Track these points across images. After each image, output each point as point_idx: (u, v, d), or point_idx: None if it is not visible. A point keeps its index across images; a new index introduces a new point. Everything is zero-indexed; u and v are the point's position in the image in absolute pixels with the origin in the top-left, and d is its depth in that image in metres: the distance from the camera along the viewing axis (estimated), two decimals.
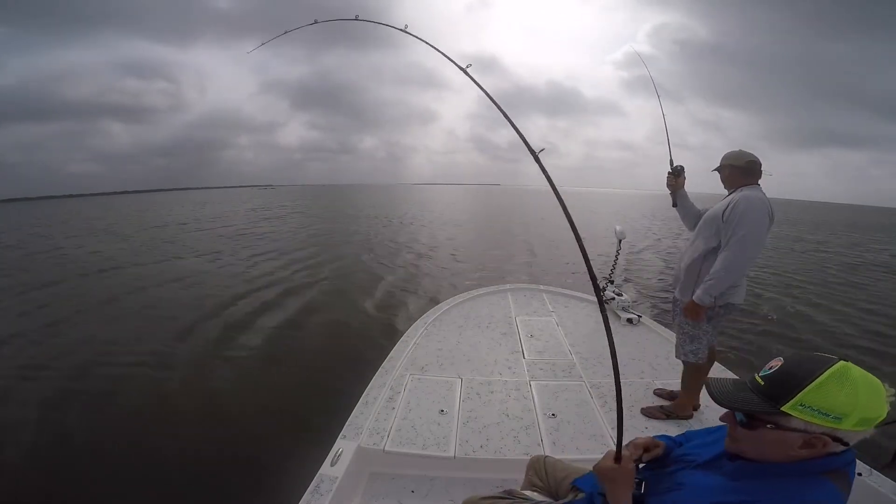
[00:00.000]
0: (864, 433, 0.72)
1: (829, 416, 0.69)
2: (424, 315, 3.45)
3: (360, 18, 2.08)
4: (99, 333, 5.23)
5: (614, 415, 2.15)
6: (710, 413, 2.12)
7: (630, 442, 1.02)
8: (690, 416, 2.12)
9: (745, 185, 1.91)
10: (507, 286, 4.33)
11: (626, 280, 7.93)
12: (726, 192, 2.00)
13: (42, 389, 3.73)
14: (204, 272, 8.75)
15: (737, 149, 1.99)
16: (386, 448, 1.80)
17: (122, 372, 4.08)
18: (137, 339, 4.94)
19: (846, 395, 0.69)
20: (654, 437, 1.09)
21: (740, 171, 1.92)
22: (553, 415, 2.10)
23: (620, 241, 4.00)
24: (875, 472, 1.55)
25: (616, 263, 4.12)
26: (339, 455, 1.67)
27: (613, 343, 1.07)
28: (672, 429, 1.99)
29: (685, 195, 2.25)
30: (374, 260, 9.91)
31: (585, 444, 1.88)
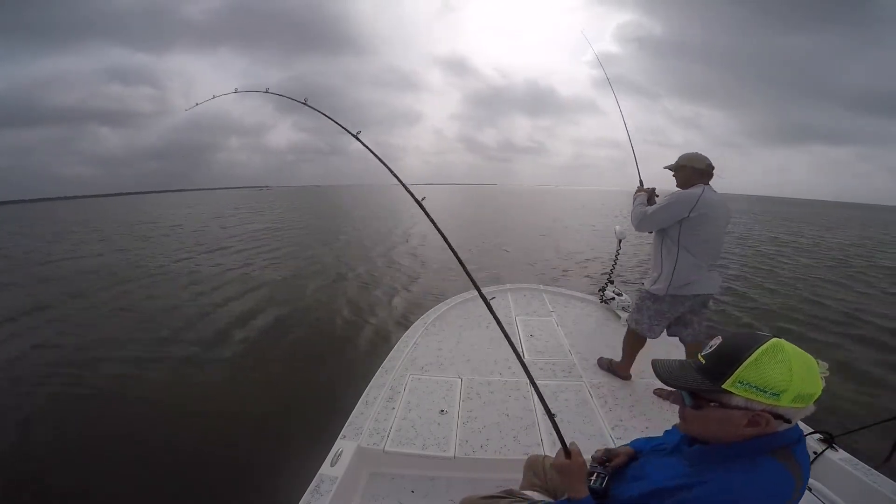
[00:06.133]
0: (805, 410, 0.73)
1: (766, 392, 0.71)
2: (424, 315, 3.44)
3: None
4: (91, 333, 5.21)
5: (613, 415, 2.15)
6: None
7: (559, 448, 1.03)
8: (628, 378, 2.46)
9: (699, 185, 2.09)
10: (507, 286, 4.32)
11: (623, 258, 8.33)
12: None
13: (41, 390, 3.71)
14: (200, 271, 8.72)
15: (693, 151, 2.16)
16: (386, 448, 1.79)
17: (121, 372, 4.05)
18: (134, 339, 4.91)
19: (780, 372, 0.70)
20: (631, 442, 1.12)
21: (699, 172, 2.09)
22: (553, 415, 2.09)
23: (620, 242, 4.01)
24: (874, 471, 1.56)
25: (616, 263, 4.13)
26: (339, 455, 1.66)
27: (509, 335, 1.27)
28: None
29: None
30: (374, 260, 9.90)
31: (585, 444, 1.85)
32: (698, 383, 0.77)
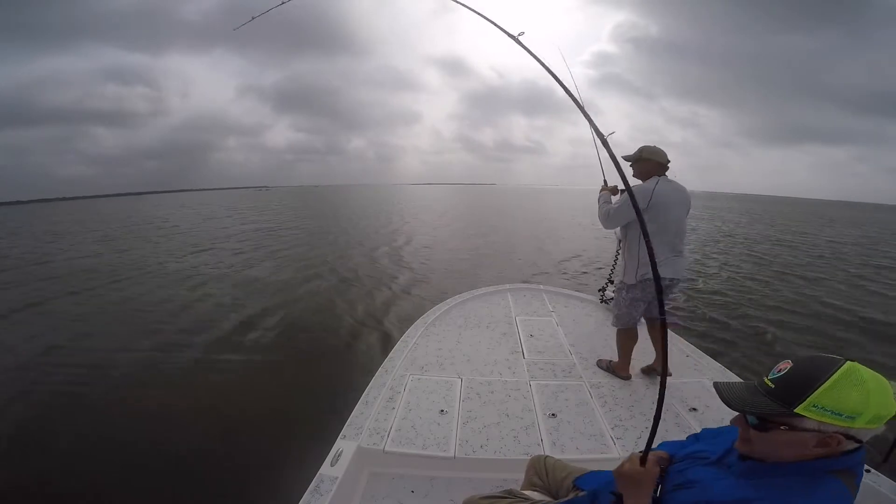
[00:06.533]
0: (877, 430, 0.73)
1: (842, 415, 0.70)
2: (424, 315, 3.43)
3: None
4: (86, 332, 5.20)
5: (614, 415, 2.15)
6: (710, 413, 2.12)
7: (633, 454, 0.97)
8: (628, 378, 2.47)
9: (655, 177, 2.23)
10: (507, 286, 4.33)
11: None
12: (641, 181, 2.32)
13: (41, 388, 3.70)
14: (203, 272, 8.71)
15: (652, 144, 2.31)
16: (386, 448, 1.79)
17: (120, 372, 4.04)
18: (132, 338, 4.90)
19: (858, 396, 0.70)
20: (658, 445, 1.09)
21: (660, 166, 2.26)
22: (553, 415, 2.09)
23: (620, 242, 4.01)
24: (873, 470, 1.55)
25: (616, 263, 4.13)
26: (339, 455, 1.66)
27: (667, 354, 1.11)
28: (680, 434, 1.98)
29: None
30: (375, 260, 9.89)
31: (585, 444, 1.87)
32: (770, 408, 0.76)
